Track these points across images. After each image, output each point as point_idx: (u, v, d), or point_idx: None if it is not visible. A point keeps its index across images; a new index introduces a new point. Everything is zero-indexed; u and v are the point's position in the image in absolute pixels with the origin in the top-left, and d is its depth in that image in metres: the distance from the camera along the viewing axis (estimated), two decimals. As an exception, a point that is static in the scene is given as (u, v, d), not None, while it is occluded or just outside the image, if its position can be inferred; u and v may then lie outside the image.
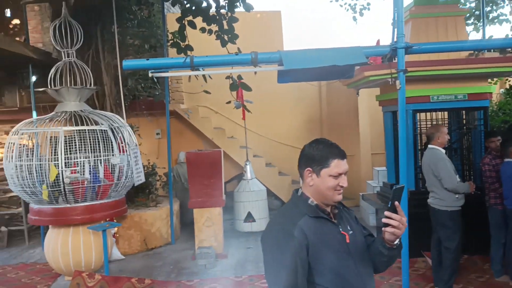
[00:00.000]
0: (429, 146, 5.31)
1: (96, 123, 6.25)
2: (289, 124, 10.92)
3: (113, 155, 6.22)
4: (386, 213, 1.98)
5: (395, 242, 2.04)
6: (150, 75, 3.92)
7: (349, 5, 12.21)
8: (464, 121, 6.95)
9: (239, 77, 7.75)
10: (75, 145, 6.23)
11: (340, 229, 2.12)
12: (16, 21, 11.41)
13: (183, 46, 7.84)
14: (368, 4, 12.15)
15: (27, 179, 5.92)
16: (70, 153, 6.08)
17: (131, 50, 8.83)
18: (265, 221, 8.47)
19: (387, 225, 1.99)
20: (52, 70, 6.38)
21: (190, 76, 5.10)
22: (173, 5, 7.94)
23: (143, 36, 8.89)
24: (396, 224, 1.97)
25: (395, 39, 4.18)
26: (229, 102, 7.89)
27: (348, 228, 2.16)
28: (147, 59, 3.88)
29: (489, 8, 10.66)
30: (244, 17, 8.10)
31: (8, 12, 11.26)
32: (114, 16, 7.01)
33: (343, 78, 5.38)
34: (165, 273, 6.41)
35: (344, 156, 2.12)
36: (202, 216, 7.04)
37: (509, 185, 5.16)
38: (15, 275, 6.69)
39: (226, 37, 7.80)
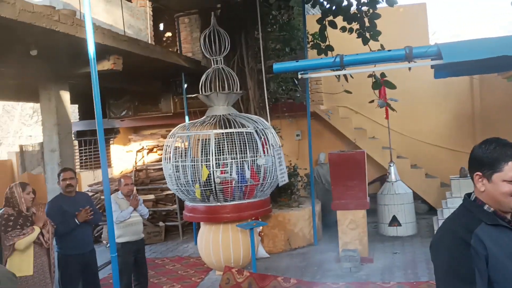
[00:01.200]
0: None
1: (243, 126, 6.52)
2: (436, 122, 10.20)
3: (258, 156, 6.43)
4: None
5: None
6: (299, 76, 3.95)
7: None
8: None
9: (382, 75, 7.46)
10: (224, 147, 6.57)
11: None
12: (168, 34, 12.51)
13: (323, 47, 7.82)
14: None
15: (182, 179, 6.41)
16: (219, 155, 6.42)
17: (272, 54, 9.06)
18: (411, 225, 8.04)
19: None
20: (203, 77, 6.81)
21: (339, 76, 5.04)
22: (313, 6, 7.97)
23: (283, 39, 9.07)
24: None
25: None
26: (372, 101, 7.65)
27: None
28: (296, 61, 3.92)
29: None
30: (386, 12, 7.77)
31: (161, 26, 12.39)
32: (258, 22, 7.24)
33: (509, 70, 4.83)
34: (309, 273, 6.42)
35: None
36: (345, 218, 6.90)
37: None
38: (172, 267, 7.29)
39: (367, 35, 7.58)
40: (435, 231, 2.02)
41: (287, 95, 9.33)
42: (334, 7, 7.63)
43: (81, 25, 5.35)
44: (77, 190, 5.27)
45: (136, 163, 10.28)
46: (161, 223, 9.30)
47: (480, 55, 3.22)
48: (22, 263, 4.23)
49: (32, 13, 4.71)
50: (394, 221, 7.89)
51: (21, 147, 8.04)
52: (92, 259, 5.21)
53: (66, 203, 4.98)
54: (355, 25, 7.71)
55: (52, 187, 6.62)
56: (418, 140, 10.16)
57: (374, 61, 3.95)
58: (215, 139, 6.40)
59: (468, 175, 1.99)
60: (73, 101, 7.81)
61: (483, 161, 1.88)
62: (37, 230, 4.30)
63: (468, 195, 1.99)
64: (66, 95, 6.92)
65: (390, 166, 8.26)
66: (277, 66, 3.96)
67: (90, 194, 8.85)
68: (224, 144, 6.54)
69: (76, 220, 4.89)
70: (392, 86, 7.12)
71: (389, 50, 3.86)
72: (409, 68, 3.93)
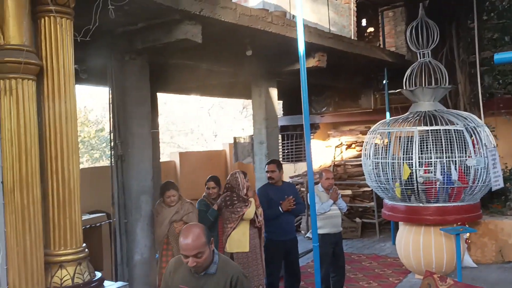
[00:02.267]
0: None
1: (451, 123, 6.06)
2: None
3: (468, 157, 5.90)
4: None
5: None
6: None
7: None
8: None
9: None
10: (429, 145, 6.21)
11: None
12: (370, 29, 12.37)
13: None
14: None
15: (382, 176, 6.28)
16: (423, 153, 6.10)
17: (488, 45, 8.17)
18: None
19: None
20: (408, 71, 6.54)
21: None
22: (543, -13, 6.91)
23: (502, 27, 8.10)
24: None
25: None
26: None
27: None
28: (524, 50, 3.46)
29: None
30: None
31: (364, 22, 12.32)
32: (474, 10, 6.63)
33: None
34: (526, 292, 5.66)
35: None
36: None
37: None
38: (369, 264, 7.23)
39: None
40: None
41: (504, 89, 8.31)
42: None
43: (291, 25, 5.68)
44: (283, 180, 5.65)
45: (334, 158, 10.47)
46: (357, 219, 9.30)
47: None
48: (241, 241, 4.84)
49: (250, 16, 5.18)
50: None
51: (234, 138, 8.95)
52: (293, 247, 5.52)
53: (272, 191, 5.39)
54: None
55: (260, 175, 7.21)
56: None
57: None
58: (419, 136, 6.09)
59: None
60: (278, 98, 8.35)
61: None
62: (253, 203, 4.87)
63: None
64: (274, 92, 7.44)
65: None
66: (499, 56, 3.54)
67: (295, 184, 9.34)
68: (429, 142, 6.18)
69: (280, 208, 5.25)
70: None
71: None
72: None
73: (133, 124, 5.10)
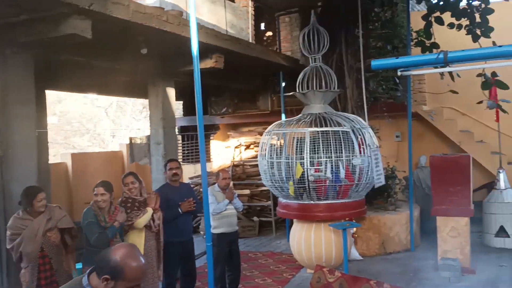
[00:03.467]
0: None
1: (339, 125, 6.43)
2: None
3: (354, 156, 6.31)
4: None
5: None
6: (399, 73, 3.82)
7: None
8: None
9: (493, 74, 6.94)
10: (319, 145, 6.53)
11: None
12: (269, 33, 12.72)
13: (428, 45, 7.45)
14: None
15: (276, 175, 6.49)
16: (314, 153, 6.40)
17: (373, 52, 8.82)
18: (522, 238, 7.37)
19: None
20: (300, 75, 6.83)
21: (443, 74, 4.78)
22: (419, 2, 7.62)
23: (385, 37, 8.80)
24: None
25: None
26: (481, 102, 7.14)
27: None
28: (396, 57, 3.79)
29: None
30: (501, 7, 7.20)
31: (262, 26, 12.64)
32: (359, 19, 7.11)
33: None
34: (404, 280, 6.17)
35: None
36: (446, 225, 6.53)
37: None
38: (265, 261, 7.43)
39: (478, 32, 7.08)
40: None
41: (387, 94, 9.03)
42: (441, 2, 7.24)
43: (187, 24, 5.62)
44: (180, 181, 5.61)
45: (233, 159, 10.62)
46: (255, 218, 9.50)
47: None
48: (135, 242, 4.64)
49: (144, 14, 5.07)
50: (502, 232, 7.30)
51: (130, 139, 8.72)
52: (190, 248, 5.51)
53: (171, 192, 5.33)
54: (464, 21, 7.24)
55: (157, 177, 7.09)
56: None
57: (482, 58, 3.69)
58: (310, 137, 6.40)
59: None
60: (178, 98, 8.28)
61: None
62: (150, 211, 4.69)
63: None
64: (171, 92, 7.35)
65: (500, 172, 7.64)
66: (375, 62, 3.86)
67: (193, 186, 9.31)
68: (320, 143, 6.51)
69: (179, 209, 5.21)
70: (504, 86, 6.60)
71: (499, 46, 3.58)
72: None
73: (15, 123, 4.74)
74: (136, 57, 6.26)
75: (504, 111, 7.16)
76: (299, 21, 9.51)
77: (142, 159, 8.17)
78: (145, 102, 19.84)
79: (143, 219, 4.68)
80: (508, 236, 7.36)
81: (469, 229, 6.52)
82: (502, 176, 7.59)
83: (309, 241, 6.27)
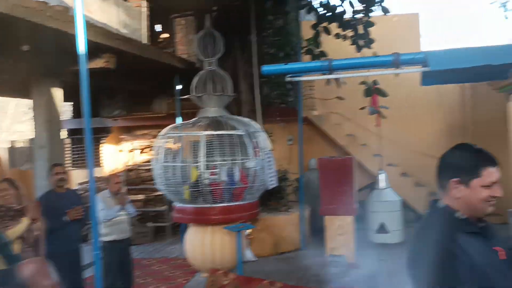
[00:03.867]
0: None
1: (234, 128, 6.53)
2: (428, 131, 10.26)
3: (248, 159, 6.43)
4: None
5: None
6: (287, 79, 3.97)
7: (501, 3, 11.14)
8: None
9: (375, 82, 7.52)
10: (215, 148, 6.56)
11: (493, 245, 1.85)
12: (165, 35, 12.51)
13: (317, 53, 7.86)
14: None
15: (171, 179, 6.40)
16: (210, 156, 6.42)
17: (266, 59, 9.09)
18: (399, 233, 8.06)
19: None
20: (195, 78, 6.82)
21: (328, 80, 5.01)
22: (308, 12, 8.01)
23: (278, 44, 9.11)
24: None
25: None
26: (363, 108, 7.70)
27: (498, 243, 1.89)
28: (286, 63, 3.95)
29: None
30: (380, 21, 7.84)
31: (158, 27, 12.40)
32: (253, 26, 7.28)
33: (496, 79, 4.89)
34: (295, 278, 6.43)
35: (496, 163, 1.86)
36: (333, 223, 6.93)
37: None
38: (159, 267, 7.28)
39: (361, 42, 7.64)
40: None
41: (280, 99, 9.36)
42: (329, 14, 7.69)
43: (74, 21, 5.36)
44: (67, 187, 5.28)
45: (127, 163, 10.26)
46: (149, 224, 9.28)
47: (465, 63, 3.26)
48: None
49: (26, 8, 4.71)
50: (382, 229, 7.92)
51: (11, 143, 8.02)
52: (77, 258, 5.20)
53: (56, 199, 4.98)
54: (349, 32, 7.77)
55: (41, 183, 6.59)
56: (409, 149, 10.21)
57: (363, 66, 3.99)
58: (206, 140, 6.40)
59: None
60: (67, 99, 7.79)
61: (461, 166, 1.86)
62: (25, 221, 4.29)
63: (435, 201, 1.96)
64: (58, 92, 6.90)
65: (380, 173, 8.29)
66: (266, 68, 3.98)
67: (81, 192, 8.81)
68: (215, 146, 6.54)
69: (66, 217, 4.89)
70: (383, 94, 7.17)
71: (377, 56, 3.90)
72: (397, 75, 3.96)
73: None
74: (18, 54, 5.78)
75: (383, 117, 7.79)
76: (195, 25, 9.48)
77: (24, 164, 7.55)
78: (30, 102, 18.48)
79: (13, 231, 4.22)
80: (388, 232, 7.99)
81: (354, 227, 6.98)
82: (381, 177, 8.23)
83: (205, 244, 6.25)
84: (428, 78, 3.91)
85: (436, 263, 1.78)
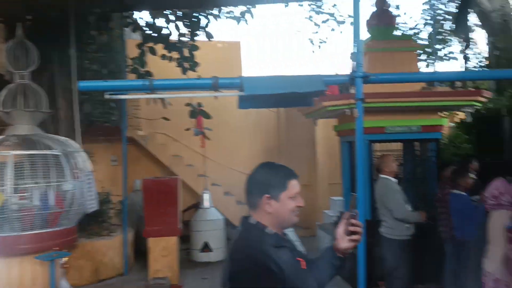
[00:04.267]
0: (381, 176, 5.41)
1: (49, 148, 6.02)
2: (248, 152, 10.89)
3: (65, 181, 5.99)
4: (353, 221, 2.02)
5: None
6: (106, 97, 3.83)
7: (309, 39, 12.62)
8: (418, 152, 7.16)
9: (199, 104, 7.74)
10: (25, 170, 5.95)
11: (296, 255, 2.04)
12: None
13: (142, 72, 7.79)
14: (326, 38, 12.59)
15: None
16: (20, 179, 5.80)
17: (89, 75, 8.66)
18: (221, 251, 8.32)
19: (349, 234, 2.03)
20: (3, 92, 6.15)
21: (150, 99, 5.02)
22: (134, 31, 7.92)
23: (102, 61, 8.77)
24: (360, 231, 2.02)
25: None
26: (188, 129, 7.85)
27: (300, 254, 2.09)
28: (105, 80, 3.81)
29: (439, 46, 11.23)
30: (205, 46, 8.17)
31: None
32: (72, 39, 6.88)
33: (303, 106, 5.46)
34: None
35: (296, 176, 2.07)
36: (157, 245, 6.84)
37: (457, 216, 5.29)
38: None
39: (187, 65, 7.81)
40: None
41: (103, 118, 8.96)
42: (154, 34, 7.71)
43: None
44: None
45: None
46: None
47: (274, 90, 3.59)
48: None
49: None
50: (206, 247, 8.09)
51: None
52: None
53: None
54: (175, 54, 7.88)
55: None
56: (232, 169, 10.70)
57: (184, 88, 4.08)
58: (15, 161, 5.77)
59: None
60: None
61: (270, 182, 2.01)
62: None
63: (246, 218, 2.06)
64: None
65: (204, 193, 8.50)
66: (83, 84, 3.79)
67: None
68: (26, 168, 5.93)
69: None
70: (207, 116, 7.43)
71: (197, 78, 4.05)
72: (215, 97, 4.14)
73: None
74: None
75: (207, 138, 8.04)
76: (5, 33, 8.56)
77: None
78: None
79: None
80: (211, 251, 8.20)
81: (178, 247, 7.00)
82: (206, 197, 8.46)
83: (13, 279, 5.57)
84: (244, 102, 4.19)
85: (256, 278, 1.84)
